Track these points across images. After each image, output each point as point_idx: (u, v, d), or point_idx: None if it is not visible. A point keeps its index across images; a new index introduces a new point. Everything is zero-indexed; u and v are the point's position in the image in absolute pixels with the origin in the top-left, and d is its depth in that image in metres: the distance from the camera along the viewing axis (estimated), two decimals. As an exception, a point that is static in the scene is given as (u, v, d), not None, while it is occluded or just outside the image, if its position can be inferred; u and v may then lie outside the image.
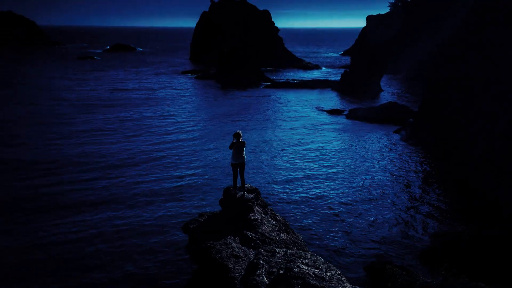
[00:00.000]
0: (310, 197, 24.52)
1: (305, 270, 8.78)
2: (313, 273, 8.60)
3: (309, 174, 28.49)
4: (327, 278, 8.54)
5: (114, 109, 49.54)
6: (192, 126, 42.10)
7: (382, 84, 68.77)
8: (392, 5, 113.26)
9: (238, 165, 14.91)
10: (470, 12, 32.88)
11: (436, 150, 33.17)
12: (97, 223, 20.68)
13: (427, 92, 37.62)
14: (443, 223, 21.49)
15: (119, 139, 36.16)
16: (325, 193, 25.14)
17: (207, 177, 27.63)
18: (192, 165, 29.91)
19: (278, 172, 28.80)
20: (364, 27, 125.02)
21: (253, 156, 31.29)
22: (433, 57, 43.81)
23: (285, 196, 24.58)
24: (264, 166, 29.77)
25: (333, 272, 9.00)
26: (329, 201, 24.06)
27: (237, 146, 14.58)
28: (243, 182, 15.31)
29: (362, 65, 65.70)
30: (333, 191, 25.49)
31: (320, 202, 23.90)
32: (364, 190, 25.73)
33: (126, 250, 18.20)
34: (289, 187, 26.16)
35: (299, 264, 9.77)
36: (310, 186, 26.36)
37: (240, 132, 14.70)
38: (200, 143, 35.71)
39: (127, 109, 49.85)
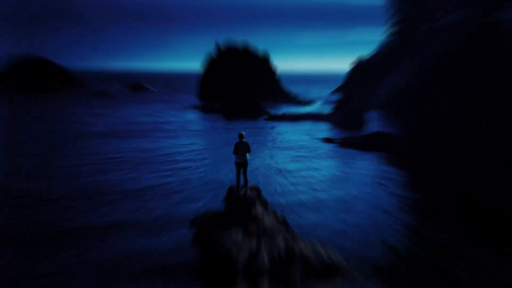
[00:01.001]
0: (302, 224, 23.93)
1: (305, 252, 10.20)
2: (314, 254, 9.97)
3: (303, 199, 29.05)
4: (327, 258, 9.75)
5: (125, 140, 52.18)
6: (198, 154, 44.66)
7: (370, 115, 72.26)
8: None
9: (242, 164, 16.13)
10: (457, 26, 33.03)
11: (428, 166, 33.00)
12: (100, 253, 20.12)
13: (422, 105, 37.39)
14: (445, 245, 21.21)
15: (129, 168, 37.54)
16: (317, 221, 24.82)
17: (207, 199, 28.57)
18: (196, 192, 30.52)
19: (272, 197, 28.79)
20: (353, 67, 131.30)
21: (251, 179, 31.90)
22: (422, 75, 44.36)
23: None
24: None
25: (333, 256, 10.29)
26: (323, 229, 23.25)
27: (241, 147, 15.86)
28: (245, 181, 16.32)
29: (351, 99, 71.18)
30: (325, 219, 25.25)
31: (310, 229, 23.03)
32: (357, 216, 25.54)
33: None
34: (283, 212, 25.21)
35: (299, 245, 10.86)
36: (301, 212, 26.35)
37: (244, 133, 16.25)
38: (210, 169, 37.63)
39: (138, 140, 52.62)
